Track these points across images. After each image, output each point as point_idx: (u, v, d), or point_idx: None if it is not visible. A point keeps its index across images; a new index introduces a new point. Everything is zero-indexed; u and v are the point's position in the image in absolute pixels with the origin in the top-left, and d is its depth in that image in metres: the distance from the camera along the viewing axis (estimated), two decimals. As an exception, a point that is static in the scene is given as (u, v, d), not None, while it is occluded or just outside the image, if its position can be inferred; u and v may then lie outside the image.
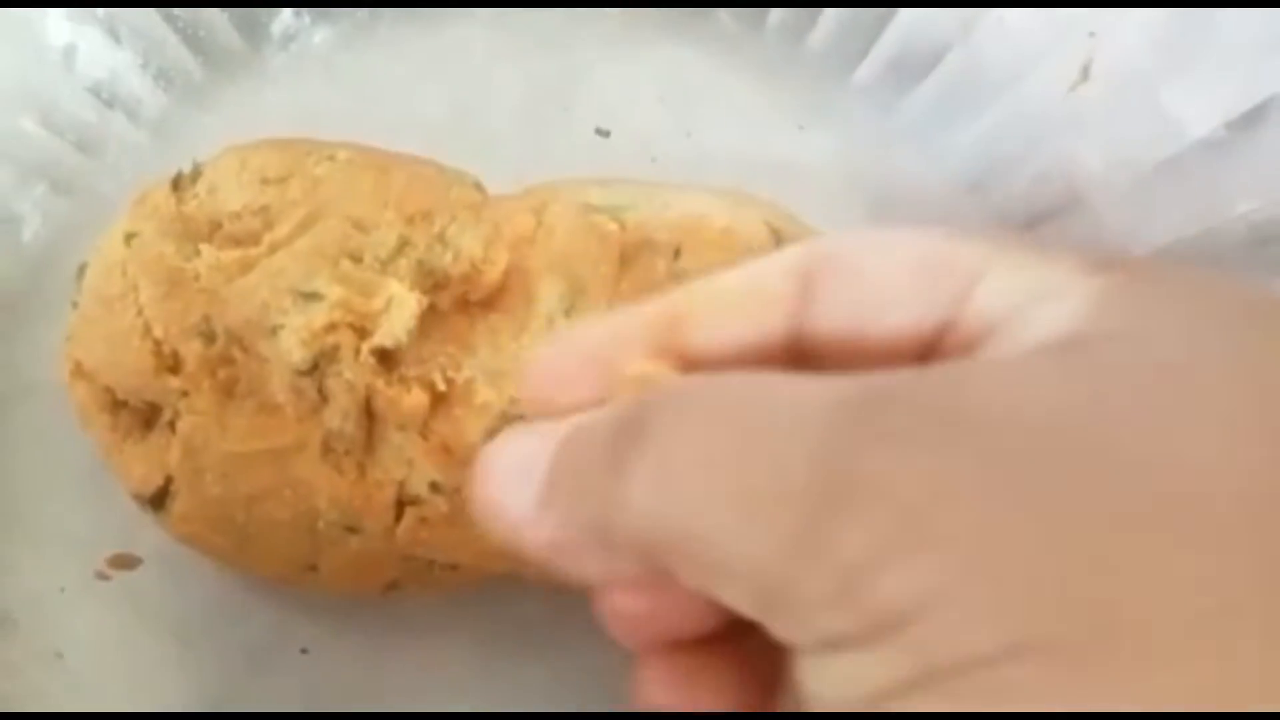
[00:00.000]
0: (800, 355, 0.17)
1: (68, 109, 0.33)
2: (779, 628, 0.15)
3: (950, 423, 0.14)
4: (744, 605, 0.15)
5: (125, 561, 0.31)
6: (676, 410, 0.15)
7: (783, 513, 0.14)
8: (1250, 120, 0.28)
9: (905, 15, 0.34)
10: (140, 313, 0.27)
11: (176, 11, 0.34)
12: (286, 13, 0.35)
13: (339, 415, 0.26)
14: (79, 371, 0.28)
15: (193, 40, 0.34)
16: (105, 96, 0.34)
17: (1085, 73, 0.31)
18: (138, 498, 0.28)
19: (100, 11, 0.33)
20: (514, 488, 0.17)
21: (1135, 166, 0.31)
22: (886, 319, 0.17)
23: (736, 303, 0.18)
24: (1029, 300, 0.16)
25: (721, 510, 0.14)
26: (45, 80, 0.33)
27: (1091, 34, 0.30)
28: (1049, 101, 0.32)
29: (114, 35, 0.33)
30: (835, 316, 0.17)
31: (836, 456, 0.14)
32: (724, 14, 0.36)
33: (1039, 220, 0.33)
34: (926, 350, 0.17)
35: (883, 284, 0.17)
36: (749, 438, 0.14)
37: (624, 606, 0.17)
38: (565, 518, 0.16)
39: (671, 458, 0.15)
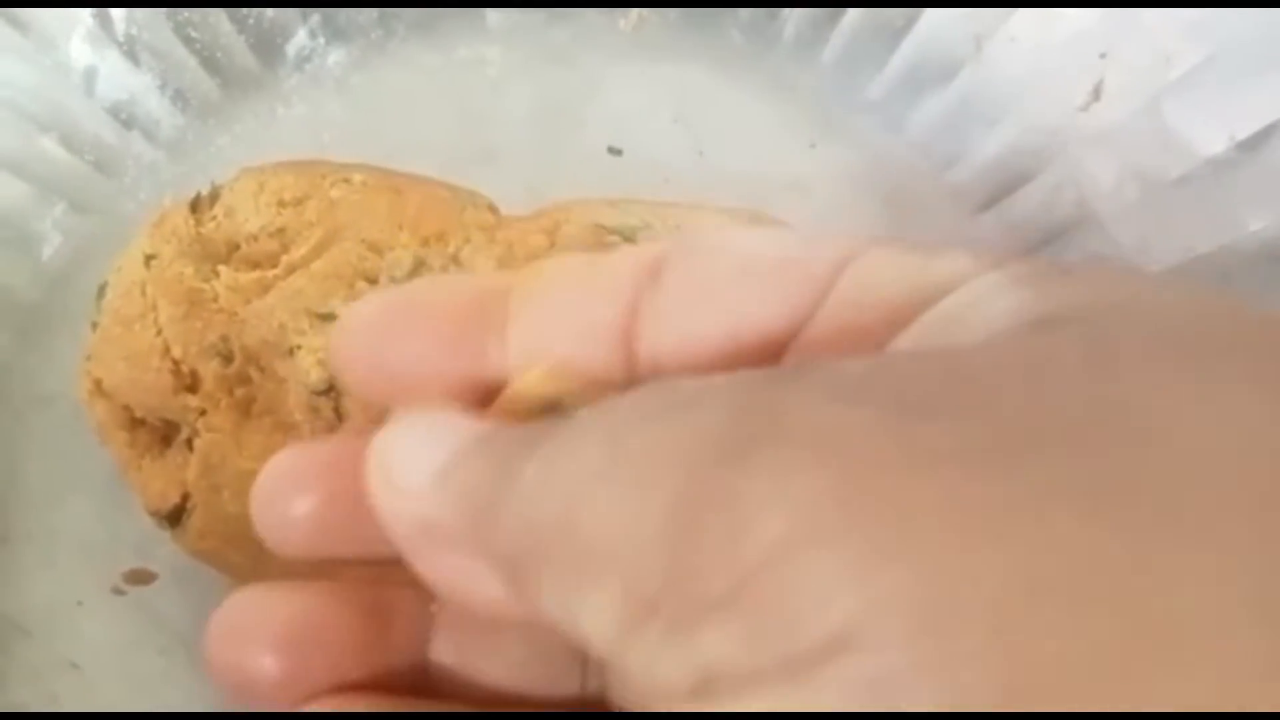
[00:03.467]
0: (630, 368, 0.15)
1: (87, 129, 0.34)
2: (642, 658, 0.11)
3: (904, 378, 0.11)
4: (607, 622, 0.11)
5: (141, 577, 0.31)
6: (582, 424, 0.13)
7: (671, 473, 0.11)
8: (1259, 140, 0.28)
9: (918, 33, 0.34)
10: (159, 333, 0.27)
11: (194, 34, 0.34)
12: (301, 34, 0.36)
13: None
14: (98, 390, 0.28)
15: (210, 62, 0.35)
16: (124, 117, 0.34)
17: (1097, 93, 0.31)
18: (155, 514, 0.28)
19: (120, 34, 0.33)
20: (418, 454, 0.15)
21: (1147, 184, 0.31)
22: (733, 315, 0.14)
23: (573, 278, 0.15)
24: (928, 289, 0.13)
25: (602, 485, 0.11)
26: (66, 101, 0.33)
27: (1102, 55, 0.31)
28: (1060, 119, 0.32)
29: (133, 58, 0.34)
30: (677, 310, 0.15)
31: (752, 407, 0.11)
32: (736, 32, 0.37)
33: (1050, 237, 0.33)
34: (774, 352, 0.14)
35: (732, 280, 0.14)
36: (644, 418, 0.12)
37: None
38: (455, 498, 0.14)
39: (567, 447, 0.12)
